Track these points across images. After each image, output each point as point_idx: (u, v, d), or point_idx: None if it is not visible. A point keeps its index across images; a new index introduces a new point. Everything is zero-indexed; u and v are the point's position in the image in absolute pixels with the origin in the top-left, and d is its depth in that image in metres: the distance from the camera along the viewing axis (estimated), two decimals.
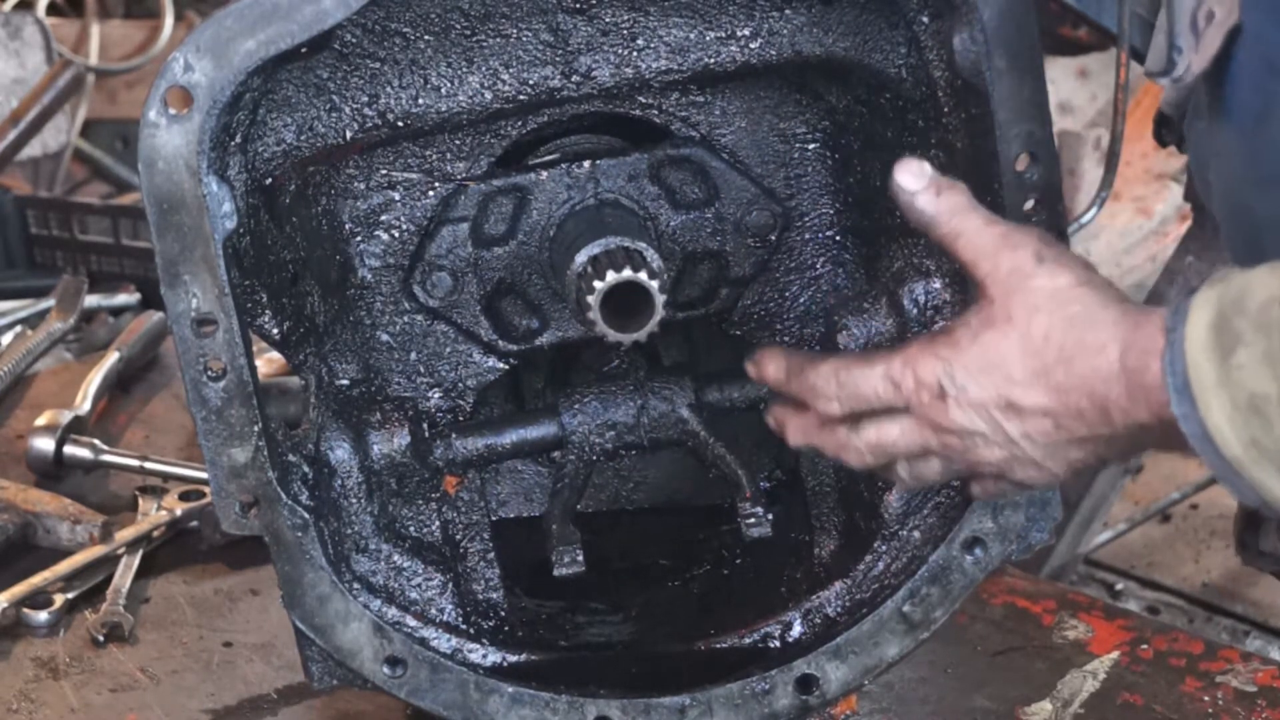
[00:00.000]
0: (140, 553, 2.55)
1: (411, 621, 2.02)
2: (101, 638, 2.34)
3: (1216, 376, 1.48)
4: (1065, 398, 1.58)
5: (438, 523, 2.09)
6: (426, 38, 1.97)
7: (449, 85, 1.99)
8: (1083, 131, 4.28)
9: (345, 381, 2.08)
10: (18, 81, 4.63)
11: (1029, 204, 1.84)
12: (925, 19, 1.89)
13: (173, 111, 1.75)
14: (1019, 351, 1.60)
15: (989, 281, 1.63)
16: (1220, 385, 1.48)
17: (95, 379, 3.06)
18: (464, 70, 1.99)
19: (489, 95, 2.00)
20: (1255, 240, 1.72)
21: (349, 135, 1.97)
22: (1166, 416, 1.51)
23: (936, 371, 1.63)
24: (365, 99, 1.97)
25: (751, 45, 2.00)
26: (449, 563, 2.08)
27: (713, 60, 2.01)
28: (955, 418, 1.63)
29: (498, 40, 1.98)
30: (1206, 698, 2.21)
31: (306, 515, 1.90)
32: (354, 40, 1.95)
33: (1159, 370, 1.51)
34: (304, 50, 1.78)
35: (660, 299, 1.87)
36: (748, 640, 2.10)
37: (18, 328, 3.47)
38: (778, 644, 2.07)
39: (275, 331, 1.97)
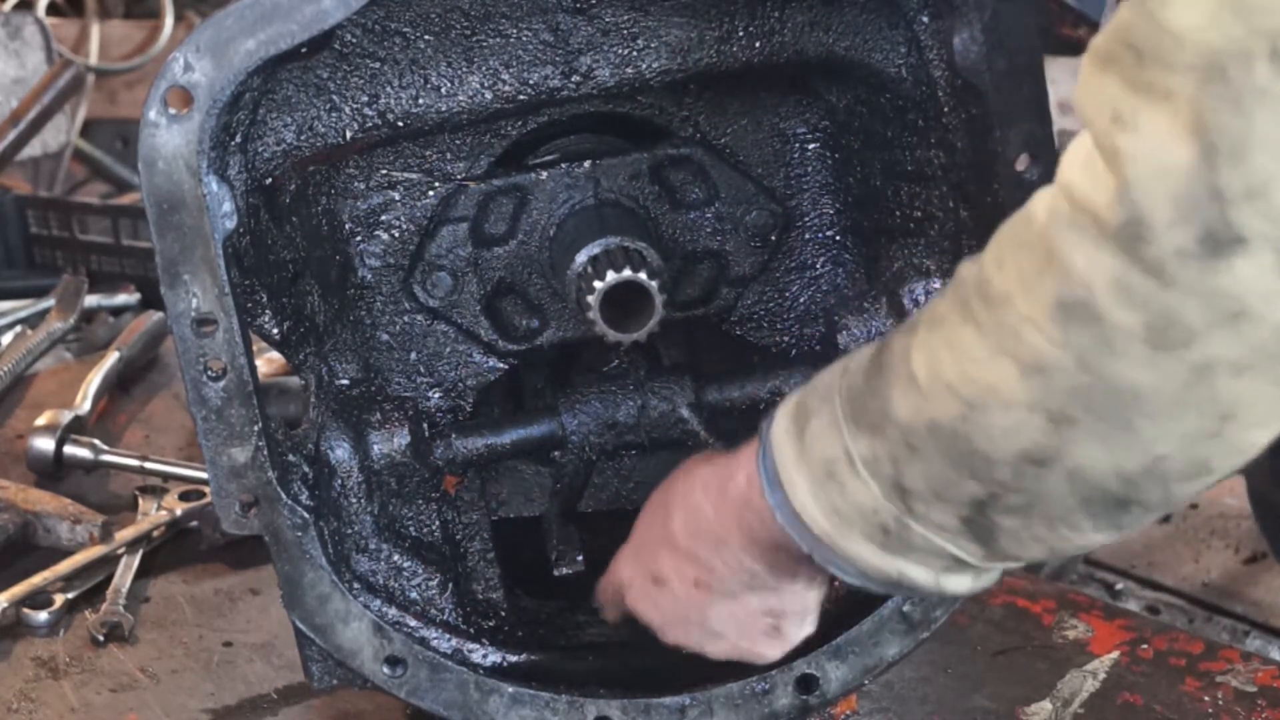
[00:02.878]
0: (140, 553, 2.55)
1: (411, 621, 2.02)
2: (101, 638, 2.34)
3: (795, 453, 1.52)
4: (680, 540, 1.70)
5: (438, 523, 2.09)
6: (426, 37, 1.97)
7: (449, 85, 1.99)
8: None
9: (345, 381, 2.08)
10: (18, 81, 4.62)
11: None
12: (925, 19, 1.90)
13: (173, 111, 1.75)
14: (643, 530, 1.78)
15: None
16: (800, 461, 1.51)
17: (95, 379, 3.05)
18: (464, 70, 1.99)
19: (489, 95, 2.00)
20: None
21: (349, 135, 1.97)
22: (769, 514, 1.56)
23: (617, 569, 1.83)
24: (365, 99, 1.97)
25: (752, 45, 2.00)
26: (449, 563, 2.08)
27: (713, 60, 2.01)
28: (634, 603, 1.83)
29: (498, 40, 1.98)
30: (1206, 698, 2.21)
31: (306, 515, 1.90)
32: (354, 40, 1.95)
33: (754, 467, 1.58)
34: (304, 50, 1.78)
35: (660, 299, 1.87)
36: None
37: (18, 328, 3.47)
38: None
39: (275, 331, 1.97)
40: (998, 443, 1.37)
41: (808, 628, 1.73)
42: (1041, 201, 1.35)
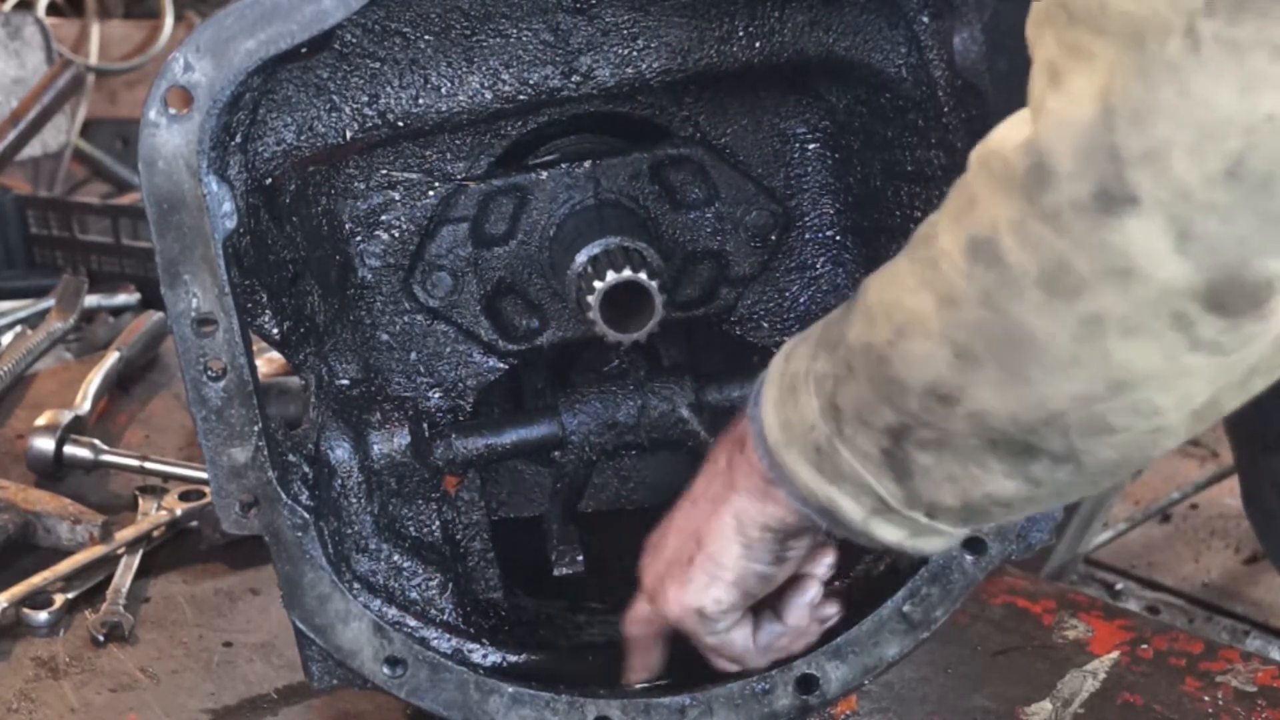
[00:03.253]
0: (140, 553, 2.55)
1: (411, 621, 2.02)
2: (101, 638, 2.34)
3: (779, 372, 1.61)
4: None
5: (438, 523, 2.09)
6: (426, 37, 1.97)
7: (449, 85, 1.99)
8: None
9: (345, 381, 2.08)
10: (18, 81, 4.63)
11: None
12: (925, 18, 1.90)
13: (173, 111, 1.75)
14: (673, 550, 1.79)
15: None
16: (778, 379, 1.60)
17: (95, 379, 3.06)
18: (464, 70, 1.99)
19: (489, 95, 2.00)
20: None
21: (349, 135, 1.97)
22: (748, 435, 1.63)
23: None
24: (365, 99, 1.97)
25: (752, 45, 2.00)
26: (449, 563, 2.08)
27: (713, 60, 2.01)
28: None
29: (498, 40, 1.98)
30: (1206, 698, 2.21)
31: (306, 515, 1.90)
32: (354, 40, 1.95)
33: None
34: (304, 50, 1.78)
35: (660, 299, 1.87)
36: None
37: (18, 328, 3.47)
38: None
39: (275, 331, 1.97)
40: (912, 370, 1.43)
41: (717, 588, 1.72)
42: (979, 146, 1.41)
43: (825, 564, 1.79)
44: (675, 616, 1.77)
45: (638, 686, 1.95)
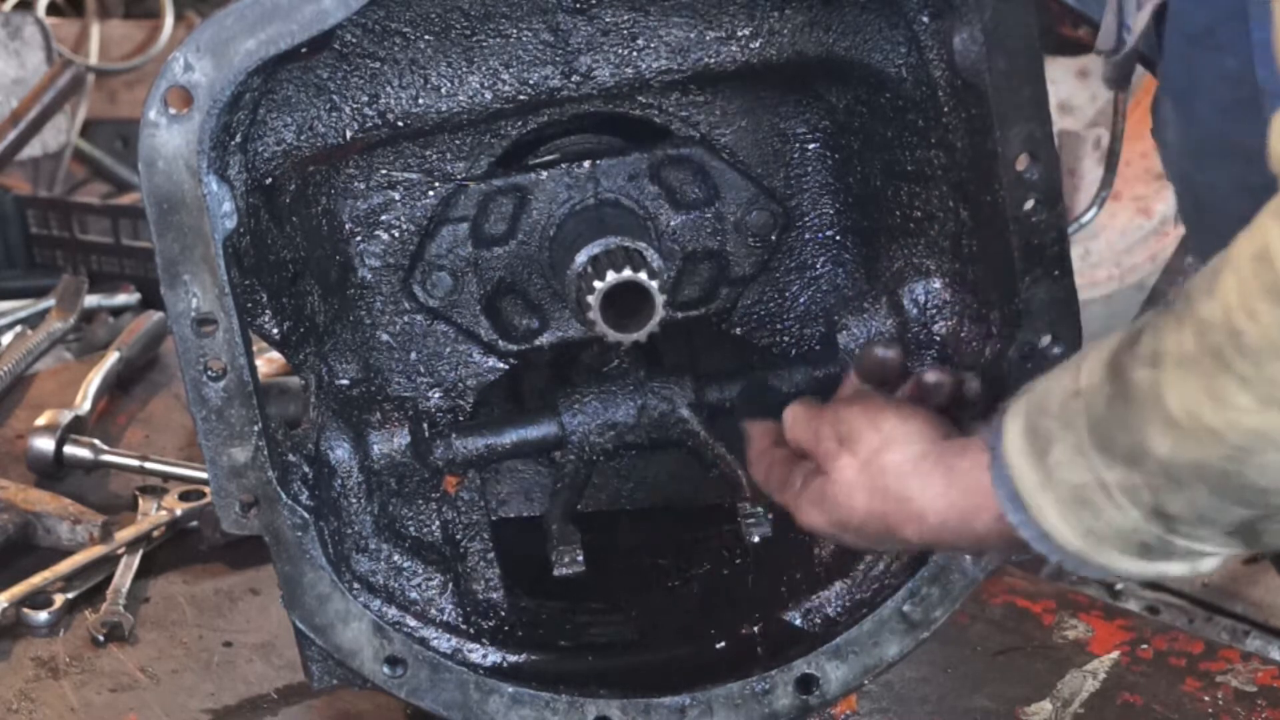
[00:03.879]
0: (140, 553, 2.55)
1: (411, 621, 2.02)
2: (101, 638, 2.34)
3: (1039, 479, 1.53)
4: (917, 545, 1.69)
5: (438, 523, 2.09)
6: (426, 38, 1.97)
7: (449, 85, 1.99)
8: (1083, 131, 4.28)
9: (345, 381, 2.08)
10: (18, 81, 4.62)
11: (1029, 203, 1.84)
12: (925, 19, 1.89)
13: (173, 111, 1.75)
14: (856, 524, 1.71)
15: (813, 456, 1.76)
16: (1044, 486, 1.53)
17: (95, 379, 3.06)
18: (464, 70, 1.99)
19: (489, 95, 2.00)
20: (1200, 209, 1.76)
21: (349, 135, 1.97)
22: (1004, 528, 1.58)
23: (814, 525, 1.76)
24: (365, 99, 1.97)
25: (752, 45, 2.00)
26: (449, 563, 2.08)
27: (713, 60, 2.01)
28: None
29: (498, 40, 1.98)
30: (1206, 698, 2.21)
31: (306, 515, 1.90)
32: (354, 40, 1.95)
33: (989, 491, 1.58)
34: (304, 50, 1.78)
35: (660, 299, 1.87)
36: (748, 640, 2.10)
37: (18, 328, 3.47)
38: (778, 644, 2.07)
39: (275, 331, 1.97)
40: (1273, 478, 1.39)
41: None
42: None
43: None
44: (817, 533, 1.78)
45: None
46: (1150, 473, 1.44)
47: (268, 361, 2.97)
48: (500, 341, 2.12)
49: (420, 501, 2.08)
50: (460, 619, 2.06)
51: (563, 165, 2.06)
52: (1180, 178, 1.78)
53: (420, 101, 1.98)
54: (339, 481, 2.00)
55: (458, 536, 2.11)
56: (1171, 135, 1.75)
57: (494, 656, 2.06)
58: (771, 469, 1.82)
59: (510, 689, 1.97)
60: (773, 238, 2.12)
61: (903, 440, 1.68)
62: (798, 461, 1.78)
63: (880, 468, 1.68)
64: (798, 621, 2.08)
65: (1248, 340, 1.35)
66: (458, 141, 2.07)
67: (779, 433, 1.82)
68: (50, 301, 3.53)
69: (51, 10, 5.18)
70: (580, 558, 2.03)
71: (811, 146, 2.12)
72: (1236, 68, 1.58)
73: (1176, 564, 1.52)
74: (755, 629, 2.10)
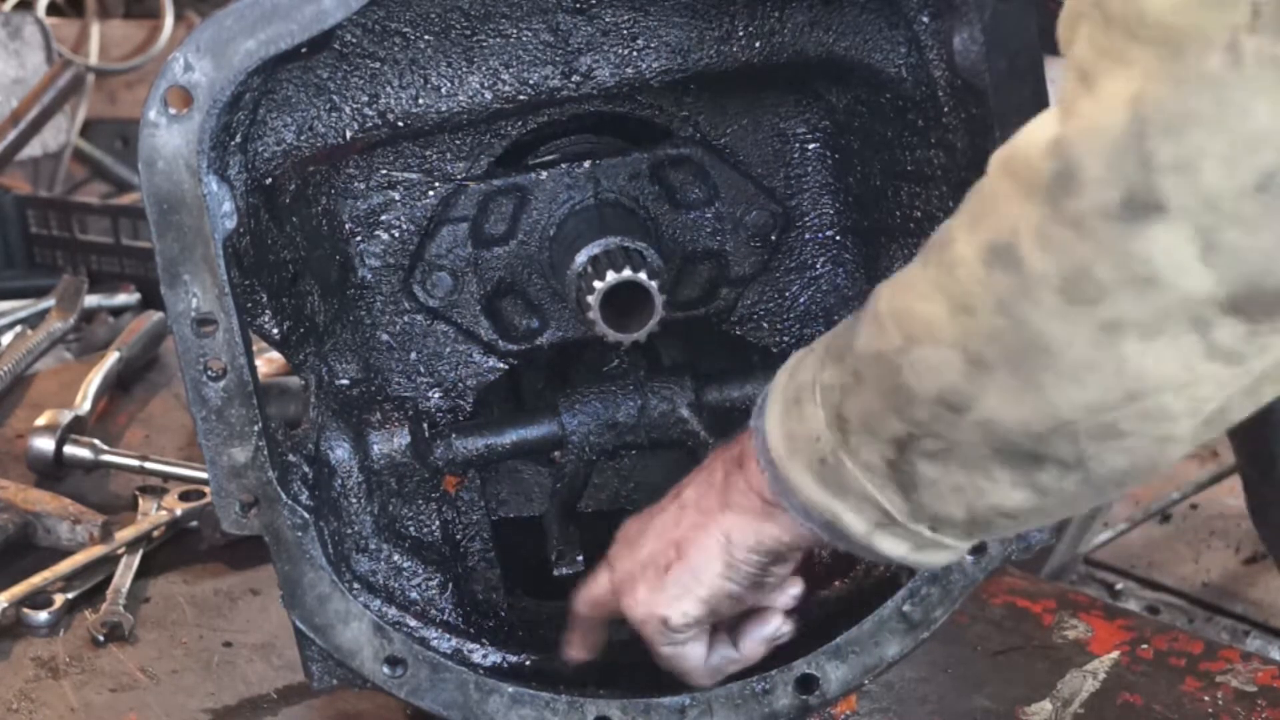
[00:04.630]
0: (140, 553, 2.55)
1: (411, 621, 2.02)
2: (101, 638, 2.34)
3: (784, 383, 1.59)
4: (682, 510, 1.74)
5: (438, 523, 2.09)
6: (426, 37, 1.97)
7: (449, 85, 1.99)
8: None
9: (345, 381, 2.08)
10: (18, 81, 4.63)
11: None
12: (925, 19, 1.89)
13: (173, 111, 1.75)
14: (646, 555, 1.76)
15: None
16: (783, 390, 1.58)
17: (95, 379, 3.06)
18: (464, 70, 1.99)
19: (489, 95, 2.00)
20: None
21: (349, 135, 1.97)
22: (750, 453, 1.62)
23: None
24: (365, 99, 1.97)
25: (752, 45, 2.00)
26: (449, 563, 2.08)
27: (713, 60, 2.01)
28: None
29: (498, 40, 1.98)
30: (1206, 698, 2.21)
31: (306, 515, 1.90)
32: (354, 40, 1.95)
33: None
34: (304, 50, 1.78)
35: (660, 299, 1.87)
36: None
37: (18, 328, 3.47)
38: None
39: (275, 331, 1.97)
40: (922, 379, 1.42)
41: (688, 600, 1.72)
42: (1002, 149, 1.40)
43: (790, 595, 1.79)
44: (638, 618, 1.76)
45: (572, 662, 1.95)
46: (846, 368, 1.49)
47: (268, 361, 2.97)
48: (500, 341, 2.12)
49: (420, 501, 2.08)
50: (460, 619, 2.06)
51: (563, 165, 2.06)
52: None
53: (420, 101, 1.98)
54: (339, 481, 2.01)
55: (458, 536, 2.11)
56: None
57: (494, 656, 2.06)
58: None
59: (510, 689, 1.97)
60: (773, 238, 2.12)
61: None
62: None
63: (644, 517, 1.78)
64: (797, 621, 2.08)
65: (947, 233, 1.41)
66: (458, 141, 2.08)
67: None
68: (50, 301, 3.53)
69: (51, 10, 5.19)
70: (580, 558, 2.03)
71: (811, 146, 2.12)
72: None
73: (850, 511, 1.53)
74: None
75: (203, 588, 2.51)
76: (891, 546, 1.55)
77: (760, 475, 1.61)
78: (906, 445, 1.46)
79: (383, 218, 2.08)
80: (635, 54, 2.00)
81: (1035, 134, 1.34)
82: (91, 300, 3.59)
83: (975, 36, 1.81)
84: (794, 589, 1.78)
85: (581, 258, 1.90)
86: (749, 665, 1.85)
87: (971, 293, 1.37)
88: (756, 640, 1.81)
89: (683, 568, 1.70)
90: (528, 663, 2.07)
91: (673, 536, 1.72)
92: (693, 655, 1.78)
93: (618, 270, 1.86)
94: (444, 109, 1.99)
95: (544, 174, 2.06)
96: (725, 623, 1.79)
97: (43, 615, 2.39)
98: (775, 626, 1.80)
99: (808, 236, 2.14)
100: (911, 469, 1.47)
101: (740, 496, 1.65)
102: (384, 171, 2.07)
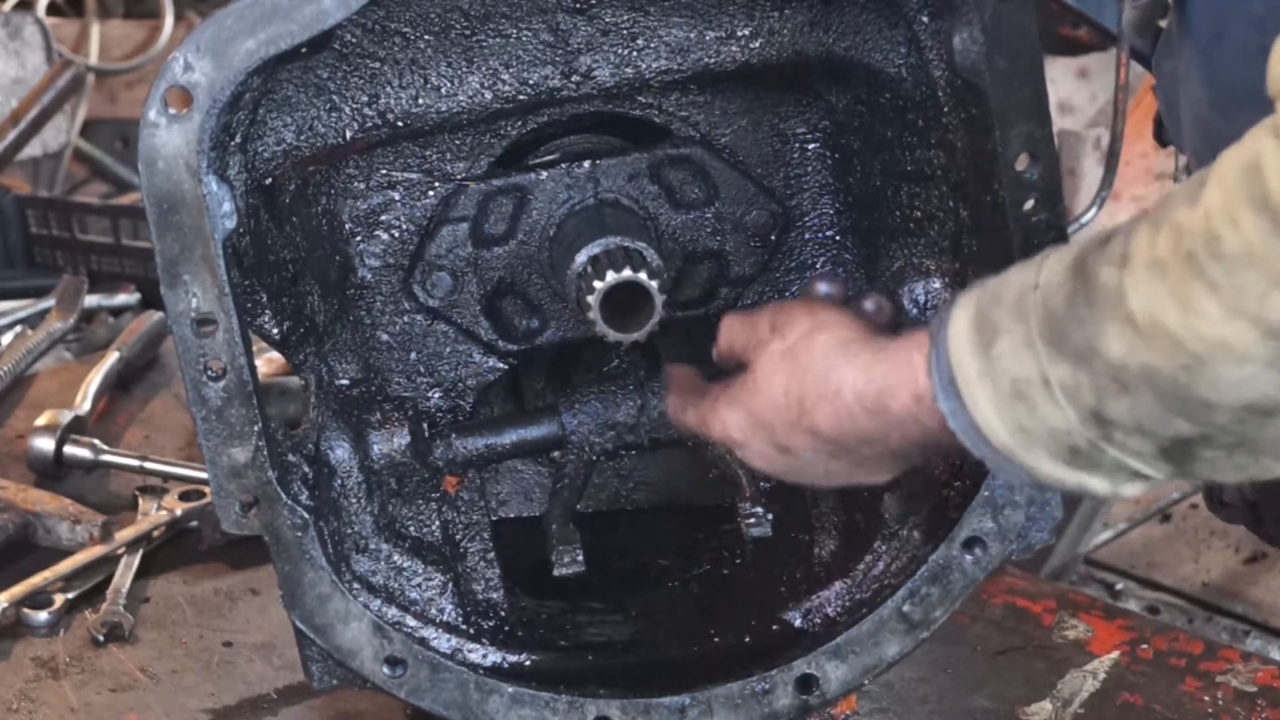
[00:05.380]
0: (140, 553, 2.55)
1: (411, 621, 2.02)
2: (101, 638, 2.34)
3: (979, 368, 1.50)
4: (826, 435, 1.66)
5: (438, 523, 2.09)
6: (426, 37, 1.97)
7: (449, 85, 1.99)
8: (1083, 131, 4.28)
9: (345, 381, 2.08)
10: (18, 81, 4.63)
11: (1029, 203, 1.84)
12: (925, 19, 1.89)
13: (173, 111, 1.75)
14: (771, 410, 1.69)
15: (744, 357, 1.76)
16: (983, 376, 1.50)
17: (95, 379, 3.06)
18: (464, 70, 1.99)
19: (489, 95, 2.00)
20: None
21: (349, 135, 1.97)
22: (923, 414, 1.56)
23: (726, 427, 1.75)
24: (365, 99, 1.97)
25: (751, 45, 2.00)
26: (449, 563, 2.08)
27: (713, 60, 2.01)
28: (751, 459, 1.75)
29: (498, 40, 1.98)
30: (1206, 698, 2.21)
31: (306, 515, 1.90)
32: (354, 40, 1.95)
33: (925, 378, 1.56)
34: (304, 50, 1.78)
35: (660, 299, 1.87)
36: (747, 640, 2.10)
37: (18, 328, 3.47)
38: (778, 644, 2.07)
39: (275, 331, 1.97)
40: (1223, 393, 1.36)
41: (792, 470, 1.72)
42: (1274, 156, 1.32)
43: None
44: (728, 440, 1.75)
45: None
46: (1097, 373, 1.42)
47: (268, 361, 2.97)
48: (500, 341, 2.12)
49: (420, 501, 2.08)
50: (460, 619, 2.06)
51: (563, 165, 2.06)
52: (1202, 131, 1.75)
53: (420, 101, 1.98)
54: (339, 481, 2.00)
55: (458, 536, 2.11)
56: (1194, 87, 1.74)
57: (494, 656, 2.06)
58: (688, 396, 1.83)
59: (510, 689, 1.97)
60: (772, 238, 2.12)
61: (836, 325, 1.68)
62: (717, 383, 1.79)
63: (806, 346, 1.67)
64: (798, 621, 2.08)
65: (1225, 246, 1.33)
66: (458, 141, 2.08)
67: (698, 377, 1.85)
68: (50, 301, 3.53)
69: (51, 10, 5.19)
70: (580, 558, 2.03)
71: (811, 146, 2.12)
72: (1263, 13, 1.57)
73: (1100, 479, 1.49)
74: (755, 629, 2.10)
75: (203, 588, 2.51)
76: (1132, 489, 1.52)
77: (970, 444, 1.54)
78: (1192, 441, 1.42)
79: (383, 218, 2.08)
80: (635, 54, 2.00)
81: None
82: (91, 300, 3.59)
83: (975, 36, 1.81)
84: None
85: (581, 258, 1.90)
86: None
87: None
88: None
89: (799, 451, 1.70)
90: (528, 663, 2.07)
91: (821, 470, 1.70)
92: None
93: (618, 270, 1.86)
94: (444, 109, 1.99)
95: (544, 174, 2.06)
96: None
97: (43, 615, 2.39)
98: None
99: (808, 236, 2.14)
100: (1191, 454, 1.43)
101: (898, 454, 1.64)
102: (384, 171, 2.07)
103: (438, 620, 2.05)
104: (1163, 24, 1.94)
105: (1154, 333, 1.38)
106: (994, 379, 1.49)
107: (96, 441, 2.82)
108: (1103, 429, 1.44)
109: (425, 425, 2.08)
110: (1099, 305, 1.42)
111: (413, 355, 2.12)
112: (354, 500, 2.01)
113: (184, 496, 2.67)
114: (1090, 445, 1.45)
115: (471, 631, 2.07)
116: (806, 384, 1.66)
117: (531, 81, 2.00)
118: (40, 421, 2.83)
